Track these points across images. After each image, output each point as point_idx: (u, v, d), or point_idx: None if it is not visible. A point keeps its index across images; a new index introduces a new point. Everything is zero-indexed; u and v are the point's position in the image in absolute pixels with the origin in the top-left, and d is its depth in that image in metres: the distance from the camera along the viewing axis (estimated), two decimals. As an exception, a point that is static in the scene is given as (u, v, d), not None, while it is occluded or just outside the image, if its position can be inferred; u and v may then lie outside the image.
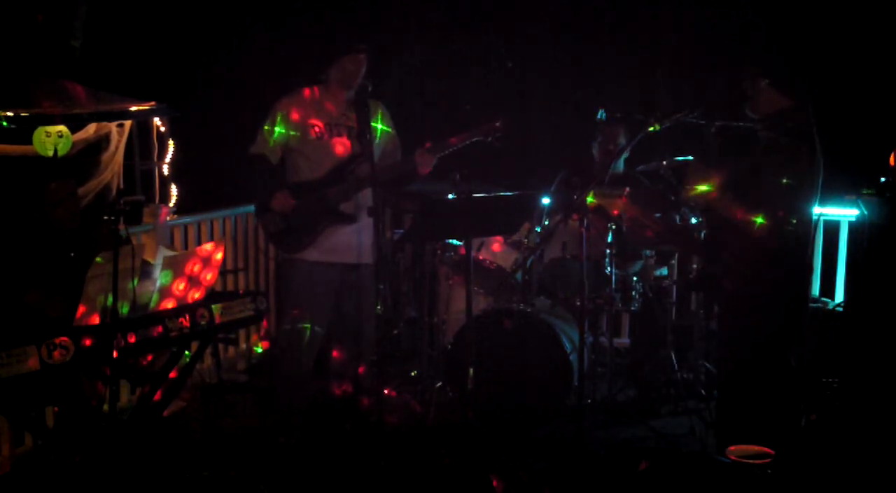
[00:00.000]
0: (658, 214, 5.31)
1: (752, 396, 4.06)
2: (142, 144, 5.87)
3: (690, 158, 5.53)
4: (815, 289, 6.16)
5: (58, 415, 4.41)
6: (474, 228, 4.74)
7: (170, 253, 4.26)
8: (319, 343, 4.96)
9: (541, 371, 5.32)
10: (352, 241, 4.82)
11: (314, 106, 4.83)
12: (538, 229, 5.49)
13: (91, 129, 5.49)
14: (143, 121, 5.79)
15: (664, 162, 5.45)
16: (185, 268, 4.03)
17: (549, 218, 5.54)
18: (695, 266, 5.70)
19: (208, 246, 4.22)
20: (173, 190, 5.96)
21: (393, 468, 4.63)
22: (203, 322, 4.04)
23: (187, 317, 3.99)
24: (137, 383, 4.67)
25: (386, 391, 5.26)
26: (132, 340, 3.77)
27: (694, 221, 5.37)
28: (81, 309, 3.71)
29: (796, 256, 4.01)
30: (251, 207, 6.44)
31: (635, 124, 5.42)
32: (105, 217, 3.87)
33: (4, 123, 4.76)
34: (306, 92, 4.87)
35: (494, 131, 4.67)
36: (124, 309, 3.82)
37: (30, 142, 5.05)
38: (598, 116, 5.76)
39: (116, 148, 5.63)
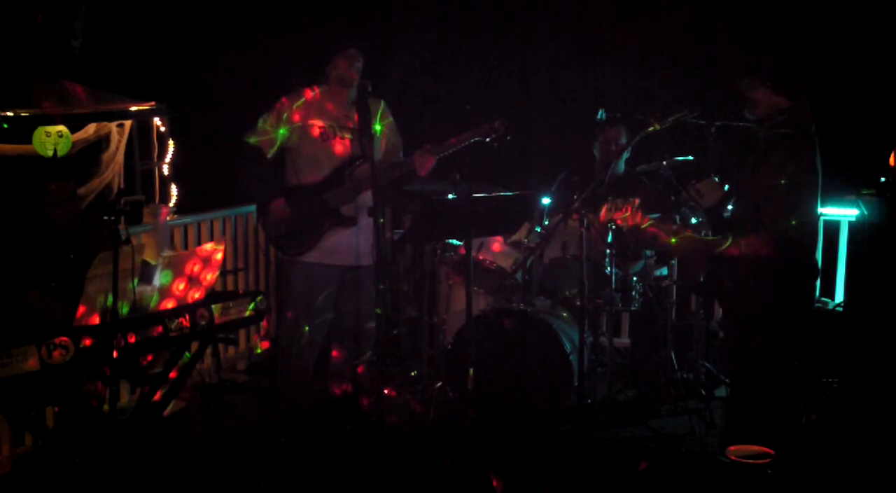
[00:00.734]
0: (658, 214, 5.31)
1: (757, 399, 4.05)
2: (142, 144, 5.87)
3: (690, 158, 5.54)
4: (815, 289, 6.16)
5: (58, 415, 4.41)
6: (474, 228, 4.73)
7: (170, 253, 4.26)
8: (320, 344, 4.97)
9: (541, 371, 5.32)
10: (352, 242, 4.82)
11: (315, 106, 4.84)
12: (538, 229, 5.49)
13: (91, 129, 5.49)
14: (143, 121, 5.79)
15: (664, 162, 5.45)
16: (185, 268, 4.03)
17: (549, 218, 5.54)
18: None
19: (208, 246, 4.22)
20: (173, 190, 5.96)
21: (393, 468, 4.63)
22: (203, 322, 4.04)
23: (187, 317, 3.98)
24: (137, 383, 4.67)
25: (386, 391, 5.26)
26: (132, 340, 3.77)
27: (694, 221, 5.36)
28: (81, 309, 3.71)
29: (799, 257, 4.00)
30: (251, 207, 6.44)
31: (635, 124, 5.43)
32: (105, 217, 3.87)
33: (5, 125, 4.76)
34: (307, 92, 4.87)
35: (494, 132, 4.67)
36: (124, 309, 3.82)
37: (30, 142, 5.05)
38: (598, 116, 5.77)
39: (117, 148, 5.64)
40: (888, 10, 6.36)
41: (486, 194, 4.80)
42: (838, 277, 6.11)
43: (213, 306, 4.10)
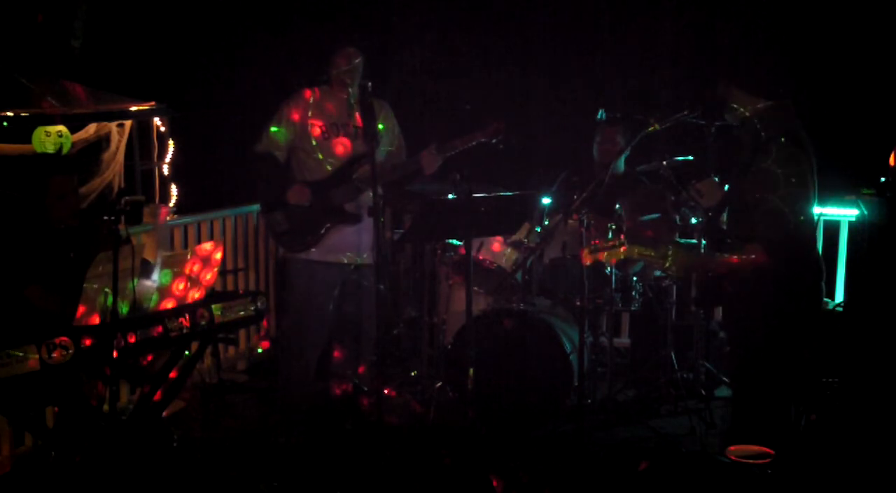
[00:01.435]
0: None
1: (760, 400, 4.05)
2: (142, 144, 5.87)
3: (690, 158, 5.53)
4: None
5: (58, 415, 4.41)
6: (474, 228, 4.74)
7: (169, 253, 4.26)
8: (323, 343, 4.96)
9: (541, 371, 5.32)
10: (355, 240, 4.82)
11: (316, 106, 4.85)
12: (538, 229, 5.49)
13: (91, 129, 5.49)
14: (143, 121, 5.79)
15: (664, 162, 5.45)
16: (184, 268, 4.03)
17: (549, 218, 5.54)
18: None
19: (207, 246, 4.22)
20: (173, 190, 5.96)
21: (393, 468, 4.63)
22: (203, 322, 4.04)
23: (187, 317, 3.98)
24: (137, 383, 4.67)
25: (386, 391, 5.25)
26: (132, 340, 3.77)
27: (694, 221, 5.36)
28: (81, 309, 3.71)
29: (798, 256, 4.00)
30: (251, 207, 6.45)
31: (635, 124, 5.42)
32: (105, 217, 3.87)
33: (5, 124, 4.76)
34: (307, 93, 4.89)
35: (499, 133, 4.69)
36: (124, 309, 3.82)
37: (30, 142, 5.06)
38: (598, 116, 5.76)
39: (117, 148, 5.64)
40: (888, 10, 6.36)
41: (486, 194, 4.80)
42: (838, 277, 6.11)
43: (213, 306, 4.10)
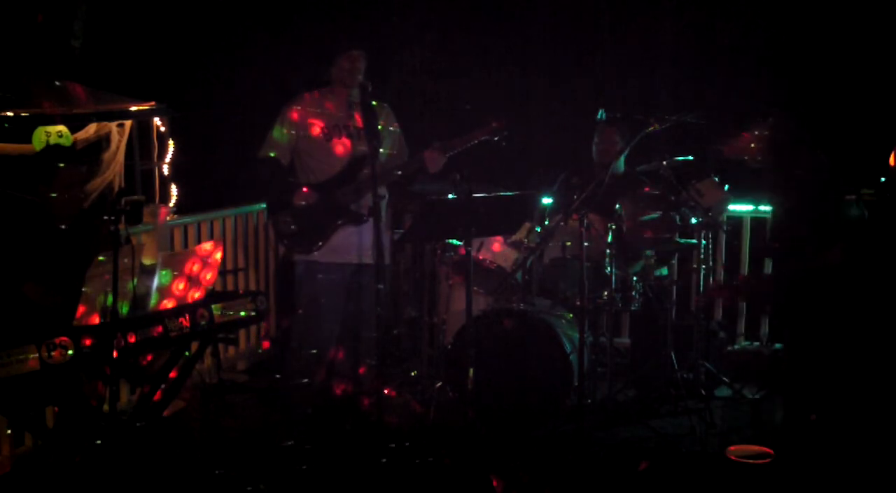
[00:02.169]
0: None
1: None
2: (142, 144, 5.87)
3: (690, 158, 5.53)
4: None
5: (58, 415, 4.41)
6: (474, 228, 4.74)
7: (169, 253, 4.26)
8: (332, 343, 4.96)
9: (541, 371, 5.32)
10: (357, 241, 4.83)
11: (317, 108, 4.86)
12: (538, 229, 5.49)
13: (91, 129, 5.49)
14: (143, 121, 5.79)
15: (664, 162, 5.45)
16: (184, 268, 4.03)
17: (550, 218, 5.54)
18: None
19: (207, 245, 4.22)
20: (173, 190, 5.96)
21: (393, 468, 4.63)
22: (203, 322, 4.04)
23: (187, 317, 3.99)
24: (137, 383, 4.67)
25: (386, 391, 5.26)
26: (132, 340, 3.77)
27: (694, 221, 5.37)
28: (81, 309, 3.71)
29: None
30: (251, 207, 6.45)
31: (635, 124, 5.43)
32: (105, 217, 3.87)
33: (5, 124, 4.77)
34: (307, 94, 4.89)
35: (501, 131, 4.69)
36: (124, 309, 3.82)
37: (30, 142, 5.06)
38: (598, 116, 5.76)
39: (117, 148, 5.64)
40: (888, 10, 6.36)
41: (486, 194, 4.80)
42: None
43: (213, 306, 4.10)
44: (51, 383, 3.73)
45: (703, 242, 5.53)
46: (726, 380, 5.74)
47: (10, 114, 4.88)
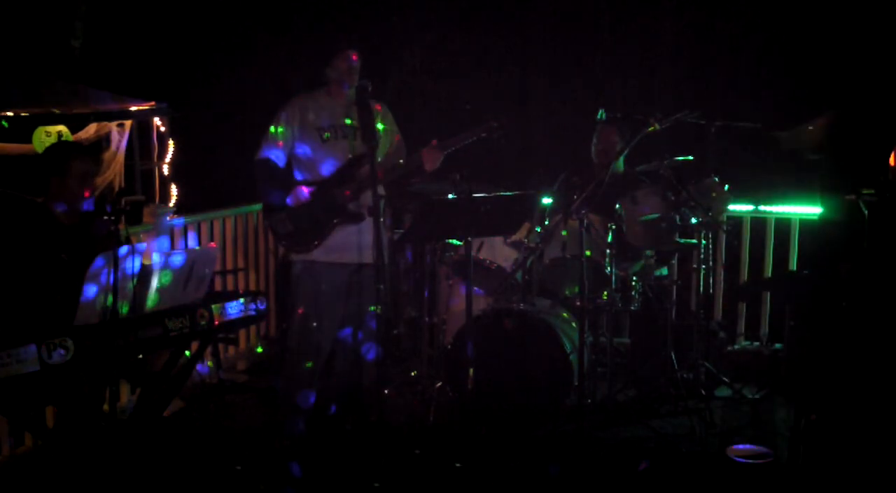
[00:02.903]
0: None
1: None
2: (142, 144, 5.87)
3: (690, 158, 5.54)
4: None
5: (58, 415, 4.41)
6: (474, 228, 4.74)
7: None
8: (331, 343, 4.95)
9: (541, 371, 5.32)
10: (356, 241, 4.82)
11: (315, 108, 4.85)
12: (538, 229, 5.49)
13: (91, 129, 5.50)
14: (143, 121, 5.80)
15: (664, 162, 5.45)
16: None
17: (550, 218, 5.54)
18: None
19: None
20: (173, 190, 5.96)
21: (393, 468, 4.63)
22: (203, 322, 4.04)
23: (187, 317, 3.98)
24: (137, 383, 4.67)
25: (386, 391, 5.25)
26: (132, 340, 3.76)
27: (694, 221, 5.37)
28: (81, 309, 3.71)
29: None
30: (251, 207, 6.45)
31: (635, 124, 5.43)
32: (105, 217, 3.87)
33: (5, 123, 4.77)
34: (308, 95, 4.89)
35: (500, 129, 4.69)
36: (124, 309, 3.82)
37: (30, 142, 5.06)
38: (598, 116, 5.77)
39: (117, 147, 5.64)
40: (888, 10, 6.36)
41: (486, 194, 4.80)
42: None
43: (213, 306, 4.10)
44: (51, 383, 3.73)
45: (703, 242, 5.54)
46: (726, 380, 5.74)
47: (10, 114, 4.89)
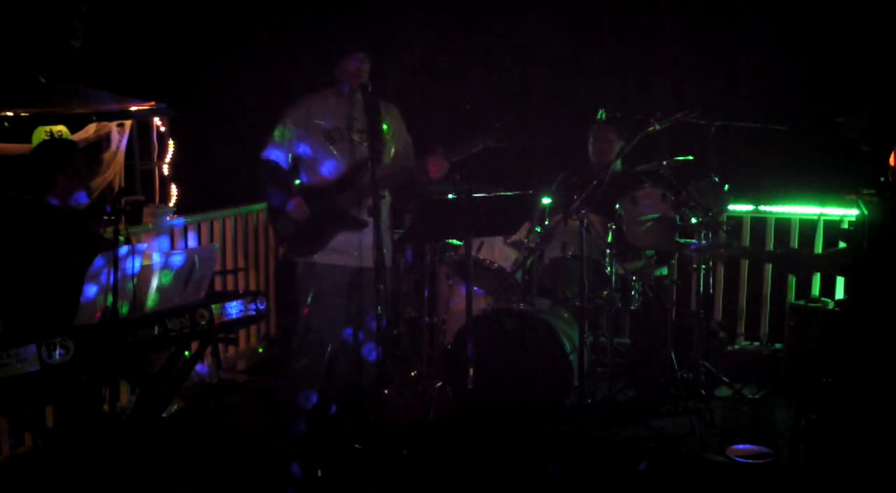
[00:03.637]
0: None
1: None
2: (142, 144, 5.87)
3: (690, 158, 5.54)
4: (815, 289, 6.17)
5: (58, 415, 4.41)
6: (474, 228, 4.73)
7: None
8: (334, 344, 4.95)
9: (541, 371, 5.32)
10: (357, 242, 4.82)
11: (319, 109, 4.83)
12: (538, 229, 5.49)
13: (91, 129, 5.50)
14: (143, 121, 5.80)
15: (664, 162, 5.45)
16: None
17: (549, 218, 5.54)
18: None
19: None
20: (173, 190, 5.96)
21: (393, 468, 4.63)
22: (203, 322, 4.04)
23: (187, 317, 3.98)
24: (137, 383, 4.67)
25: (386, 391, 5.25)
26: (132, 340, 3.76)
27: (694, 221, 5.37)
28: (81, 309, 3.71)
29: None
30: (251, 207, 6.45)
31: (635, 124, 5.43)
32: (105, 217, 3.87)
33: (5, 123, 4.77)
34: (315, 95, 4.86)
35: (507, 138, 4.68)
36: (124, 309, 3.82)
37: (30, 142, 5.06)
38: (598, 116, 5.77)
39: (117, 147, 5.64)
40: (888, 9, 6.36)
41: (486, 194, 4.80)
42: (838, 276, 6.11)
43: (213, 306, 4.10)
44: (51, 383, 3.73)
45: (704, 242, 5.53)
46: (726, 380, 5.74)
47: (9, 114, 4.89)
